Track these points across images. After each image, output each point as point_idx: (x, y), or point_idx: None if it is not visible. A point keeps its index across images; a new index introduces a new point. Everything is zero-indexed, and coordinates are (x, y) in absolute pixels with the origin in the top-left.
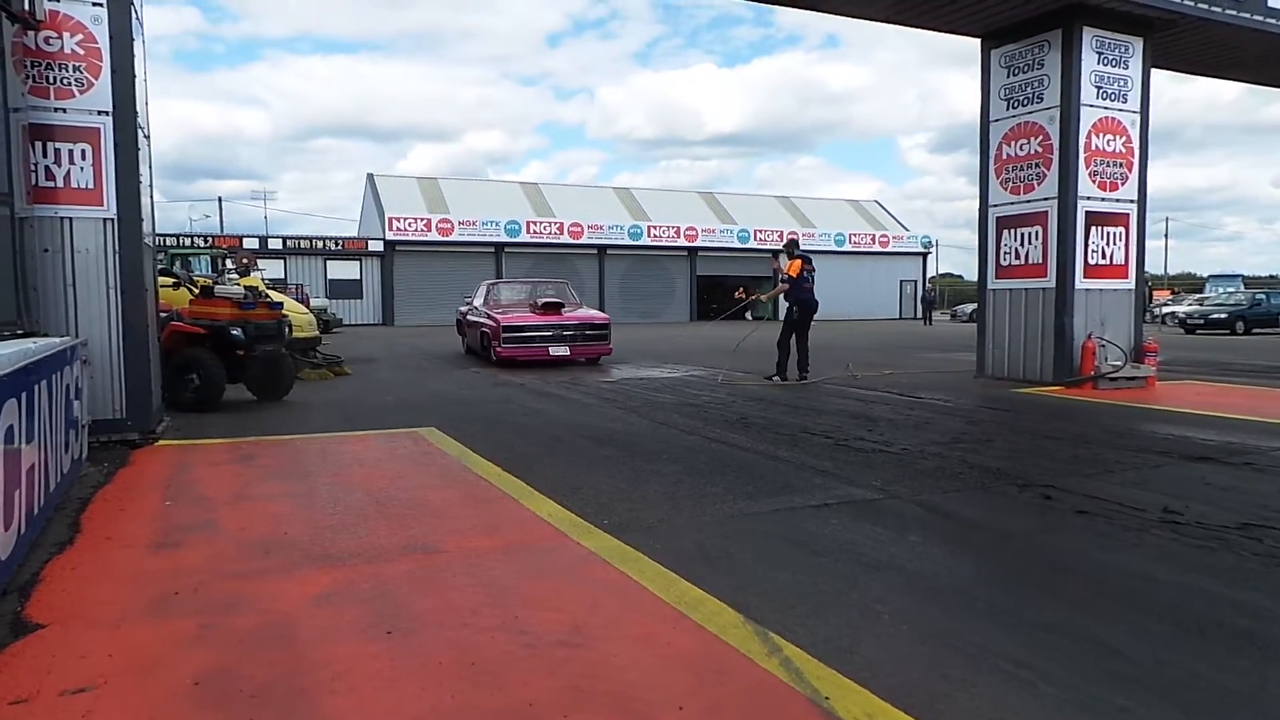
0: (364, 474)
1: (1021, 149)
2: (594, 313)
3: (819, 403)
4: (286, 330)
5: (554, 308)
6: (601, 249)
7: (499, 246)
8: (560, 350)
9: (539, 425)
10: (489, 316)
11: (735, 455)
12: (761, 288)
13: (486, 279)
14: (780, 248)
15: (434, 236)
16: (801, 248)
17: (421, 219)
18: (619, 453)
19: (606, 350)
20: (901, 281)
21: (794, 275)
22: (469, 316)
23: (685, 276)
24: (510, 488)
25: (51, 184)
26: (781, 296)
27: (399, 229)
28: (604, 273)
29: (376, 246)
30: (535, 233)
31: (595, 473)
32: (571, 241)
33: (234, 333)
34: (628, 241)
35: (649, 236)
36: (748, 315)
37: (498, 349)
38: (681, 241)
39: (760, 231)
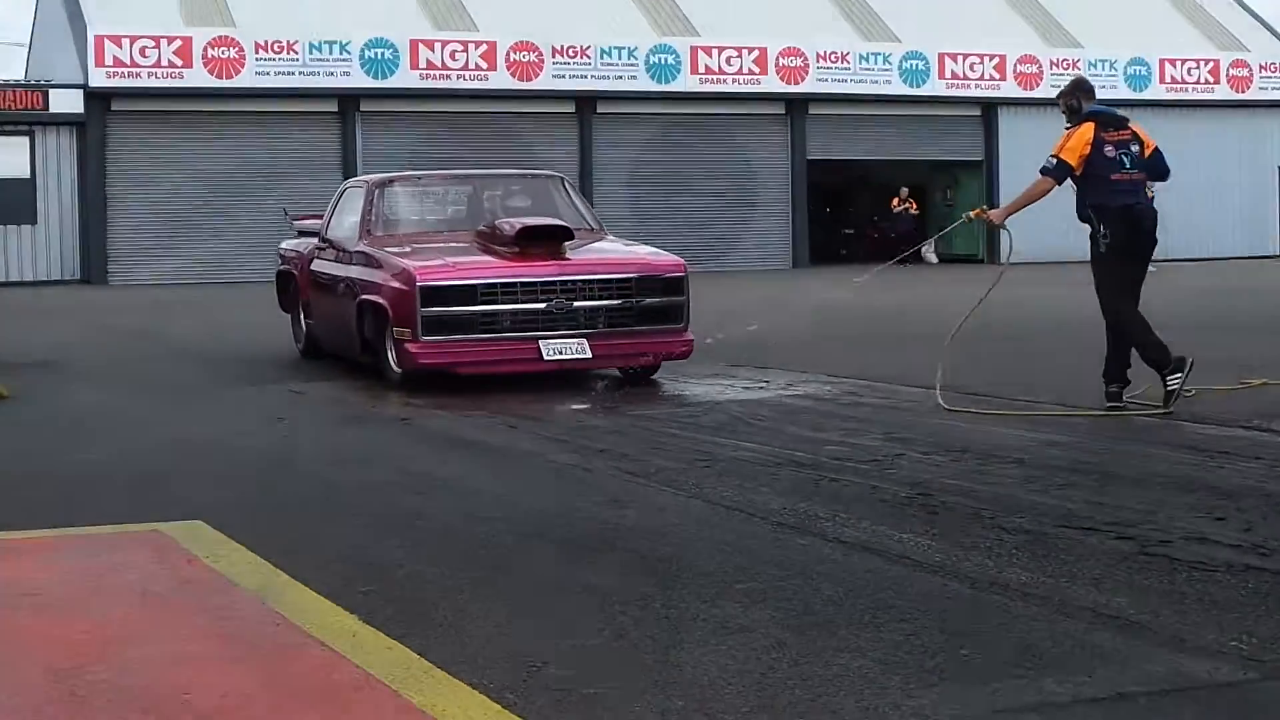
0: (41, 628)
1: None
2: (646, 253)
3: (1097, 452)
4: None
5: (547, 240)
6: (586, 102)
7: (349, 100)
8: (567, 348)
9: (447, 514)
10: (376, 263)
11: (904, 581)
12: (962, 191)
13: (342, 180)
14: (1060, 96)
15: (199, 79)
16: (1098, 99)
17: (171, 40)
18: (629, 578)
19: (682, 346)
20: None
21: (1079, 156)
22: (317, 265)
23: (781, 164)
24: (380, 663)
25: None
26: (1089, 213)
27: (120, 65)
28: (591, 157)
29: (67, 103)
30: (431, 68)
31: (572, 625)
32: (516, 87)
33: None
34: (647, 86)
35: (695, 71)
36: (925, 252)
37: (412, 346)
38: (770, 83)
39: (952, 57)
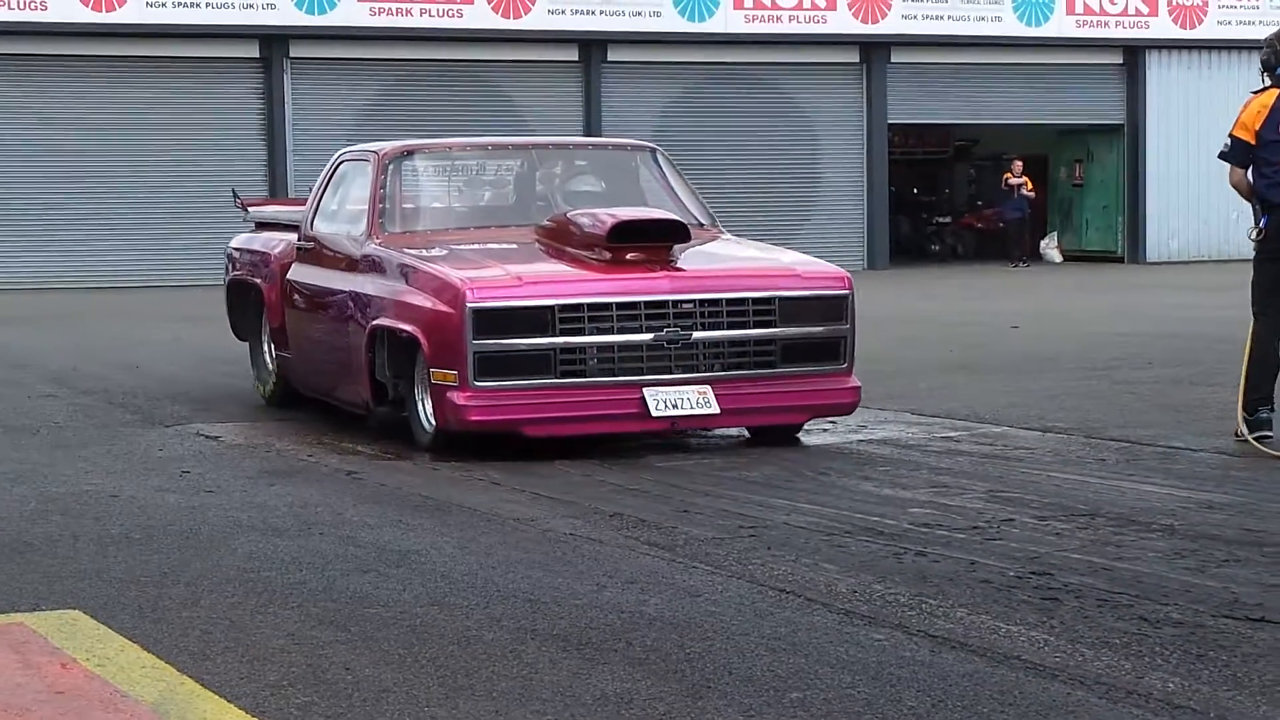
0: None
1: None
2: (792, 261)
3: (1273, 516)
4: None
5: (649, 241)
6: (593, 47)
7: (276, 42)
8: (684, 399)
9: (407, 600)
10: (399, 272)
11: (1013, 689)
12: (1095, 166)
13: (264, 149)
14: (1265, 44)
15: (70, 11)
16: None
17: None
18: (649, 684)
19: (845, 395)
20: None
21: (1252, 131)
22: (298, 273)
23: (853, 131)
24: None
25: None
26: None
27: None
28: (598, 120)
29: None
30: (385, 0)
31: None
32: (500, 27)
33: None
34: (674, 25)
35: (739, 7)
36: (1046, 249)
37: (459, 396)
38: (841, 21)
39: None
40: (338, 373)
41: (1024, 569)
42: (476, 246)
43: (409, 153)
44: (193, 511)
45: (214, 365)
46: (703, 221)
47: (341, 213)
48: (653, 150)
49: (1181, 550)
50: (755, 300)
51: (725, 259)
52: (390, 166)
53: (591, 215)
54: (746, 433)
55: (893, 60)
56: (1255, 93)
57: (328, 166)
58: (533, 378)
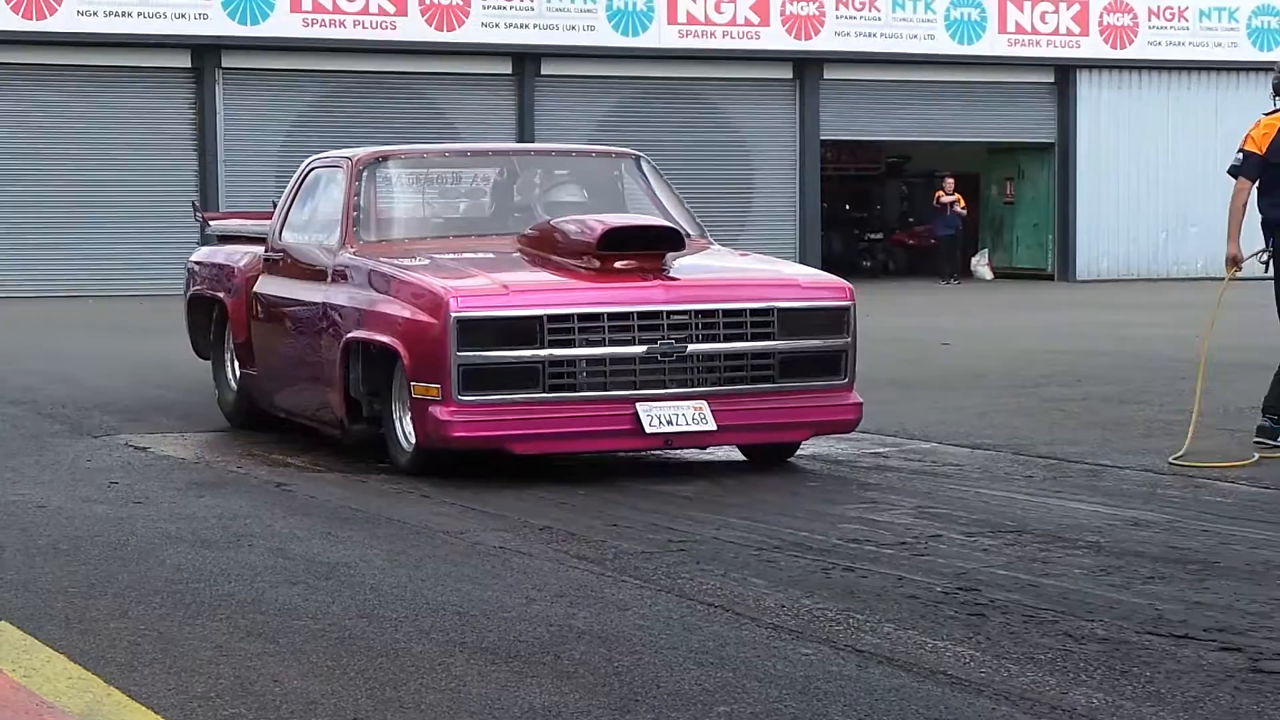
0: None
1: None
2: (792, 272)
3: (1196, 534)
4: None
5: (641, 249)
6: (526, 60)
7: (208, 52)
8: (679, 415)
9: (335, 612)
10: (377, 282)
11: (938, 703)
12: (1026, 184)
13: (195, 159)
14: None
15: (1, 20)
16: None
17: None
18: (577, 698)
19: (847, 413)
20: None
21: (1262, 147)
22: (266, 285)
23: (786, 147)
24: None
25: None
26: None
27: None
28: (531, 133)
29: None
30: (319, 11)
31: None
32: (434, 39)
33: None
34: (608, 40)
35: (673, 21)
36: (978, 265)
37: (442, 411)
38: (774, 37)
39: (1016, 4)
40: (308, 390)
41: (951, 585)
42: (457, 255)
43: (383, 159)
44: (121, 523)
45: (144, 375)
46: (691, 232)
47: (312, 222)
48: (637, 158)
49: (1107, 567)
50: (753, 311)
51: (721, 269)
52: (364, 173)
53: (579, 222)
54: (739, 453)
55: (825, 77)
56: (1266, 114)
57: (296, 175)
58: (520, 392)
